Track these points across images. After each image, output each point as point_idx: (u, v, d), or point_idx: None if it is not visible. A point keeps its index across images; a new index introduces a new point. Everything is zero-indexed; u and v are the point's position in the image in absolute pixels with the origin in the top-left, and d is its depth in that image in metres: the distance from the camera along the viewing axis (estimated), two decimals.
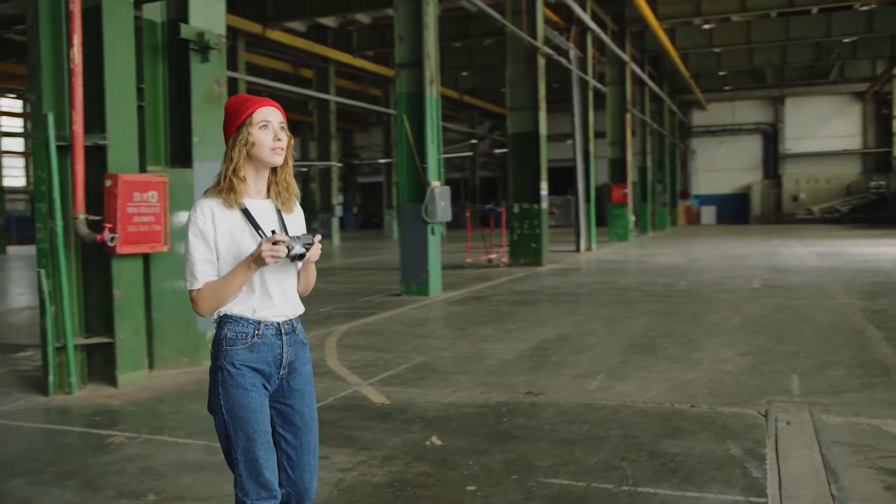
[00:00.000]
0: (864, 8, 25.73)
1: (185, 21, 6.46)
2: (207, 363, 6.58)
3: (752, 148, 40.82)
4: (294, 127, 35.43)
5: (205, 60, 6.61)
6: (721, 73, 34.98)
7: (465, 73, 33.02)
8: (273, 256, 2.29)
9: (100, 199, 5.75)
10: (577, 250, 20.21)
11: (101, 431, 4.79)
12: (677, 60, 28.55)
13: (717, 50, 30.36)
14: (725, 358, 6.57)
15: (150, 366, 6.26)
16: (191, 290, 2.40)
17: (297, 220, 2.56)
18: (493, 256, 17.05)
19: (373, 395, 5.52)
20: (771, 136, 40.23)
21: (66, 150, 5.68)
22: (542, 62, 16.13)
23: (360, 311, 9.81)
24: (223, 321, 2.45)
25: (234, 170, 2.43)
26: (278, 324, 2.46)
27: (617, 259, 17.89)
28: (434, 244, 11.35)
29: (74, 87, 5.56)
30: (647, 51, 29.92)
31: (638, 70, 26.50)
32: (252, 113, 2.42)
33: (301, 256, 2.36)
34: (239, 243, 2.41)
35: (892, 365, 6.20)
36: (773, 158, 40.20)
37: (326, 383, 5.87)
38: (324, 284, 12.63)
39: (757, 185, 40.28)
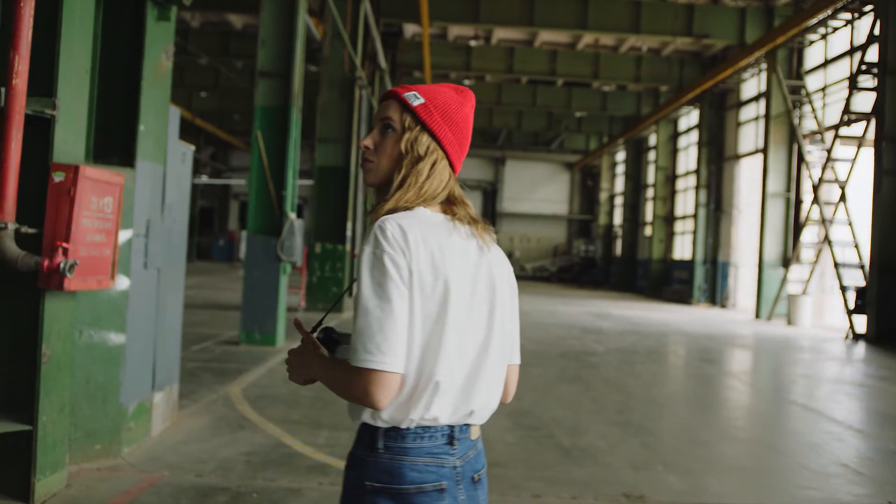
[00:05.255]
0: (606, 88, 28.10)
1: None
2: (127, 450, 4.56)
3: (472, 203, 41.75)
4: None
5: (163, 18, 4.66)
6: None
7: (203, 94, 30.44)
8: None
9: (33, 202, 3.63)
10: (352, 295, 19.00)
11: None
12: None
13: None
14: (739, 437, 5.98)
15: None
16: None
17: None
18: None
19: None
20: (490, 194, 42.37)
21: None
22: (358, 93, 14.97)
23: (221, 366, 7.82)
24: None
25: None
26: None
27: None
28: (284, 286, 9.62)
29: (22, 7, 3.43)
30: None
31: None
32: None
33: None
34: None
35: None
36: (491, 215, 42.25)
37: None
38: None
39: None
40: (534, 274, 39.68)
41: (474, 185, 42.18)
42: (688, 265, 25.80)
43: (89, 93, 4.41)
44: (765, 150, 19.82)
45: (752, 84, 22.63)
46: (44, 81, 3.65)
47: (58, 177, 3.61)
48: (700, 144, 24.61)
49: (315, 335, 1.70)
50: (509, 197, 41.93)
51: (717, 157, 24.26)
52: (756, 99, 22.20)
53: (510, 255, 40.90)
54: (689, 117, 27.20)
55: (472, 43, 23.90)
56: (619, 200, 36.25)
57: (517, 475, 4.64)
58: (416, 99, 1.70)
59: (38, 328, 3.65)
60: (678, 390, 8.17)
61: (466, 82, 28.04)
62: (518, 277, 32.28)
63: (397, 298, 1.50)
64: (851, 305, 15.78)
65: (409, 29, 23.54)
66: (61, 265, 3.46)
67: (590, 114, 31.10)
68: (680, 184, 28.23)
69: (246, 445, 4.95)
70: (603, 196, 38.54)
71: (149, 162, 4.68)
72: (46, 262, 3.47)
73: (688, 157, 27.53)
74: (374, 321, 1.48)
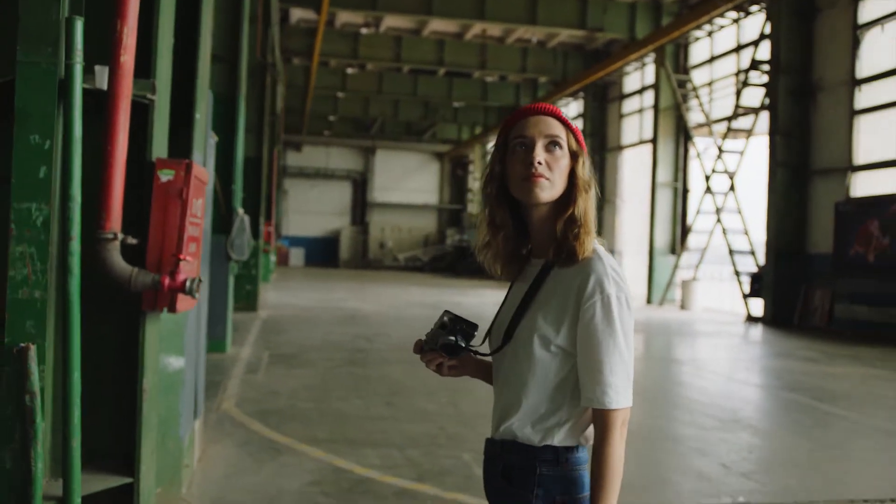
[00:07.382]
0: (489, 79, 28.22)
1: None
2: (184, 491, 3.94)
3: (342, 194, 41.84)
4: None
5: None
6: (331, 118, 35.25)
7: None
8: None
9: (126, 206, 2.98)
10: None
11: None
12: (309, 100, 27.92)
13: (341, 94, 30.49)
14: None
15: None
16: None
17: (559, 293, 1.64)
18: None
19: None
20: (360, 184, 41.75)
21: (97, 100, 2.83)
22: (269, 81, 14.14)
23: None
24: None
25: (488, 217, 1.74)
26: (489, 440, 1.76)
27: (313, 305, 16.34)
28: (232, 287, 8.89)
29: None
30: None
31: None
32: (511, 128, 1.70)
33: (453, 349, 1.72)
34: None
35: None
36: (361, 205, 41.71)
37: None
38: None
39: (346, 230, 41.30)
40: (406, 264, 39.46)
41: (343, 176, 41.44)
42: None
43: None
44: (654, 142, 20.51)
45: (636, 77, 23.39)
46: (145, 61, 3.01)
47: (165, 175, 2.99)
48: (583, 135, 25.15)
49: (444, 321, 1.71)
50: (380, 187, 41.47)
51: (600, 147, 24.94)
52: (640, 92, 22.95)
53: (382, 246, 40.55)
54: (569, 108, 27.78)
55: (363, 31, 23.27)
56: None
57: None
58: (571, 121, 1.71)
59: (139, 359, 3.02)
60: (656, 379, 8.22)
61: (350, 71, 27.34)
62: (391, 268, 31.81)
63: (633, 339, 1.61)
64: (747, 290, 16.63)
65: (295, 14, 22.62)
66: (187, 283, 2.86)
67: (467, 104, 31.16)
68: None
69: (303, 474, 4.41)
70: (475, 185, 38.86)
71: (198, 154, 4.04)
72: (168, 280, 2.85)
73: None
74: (628, 366, 1.58)
